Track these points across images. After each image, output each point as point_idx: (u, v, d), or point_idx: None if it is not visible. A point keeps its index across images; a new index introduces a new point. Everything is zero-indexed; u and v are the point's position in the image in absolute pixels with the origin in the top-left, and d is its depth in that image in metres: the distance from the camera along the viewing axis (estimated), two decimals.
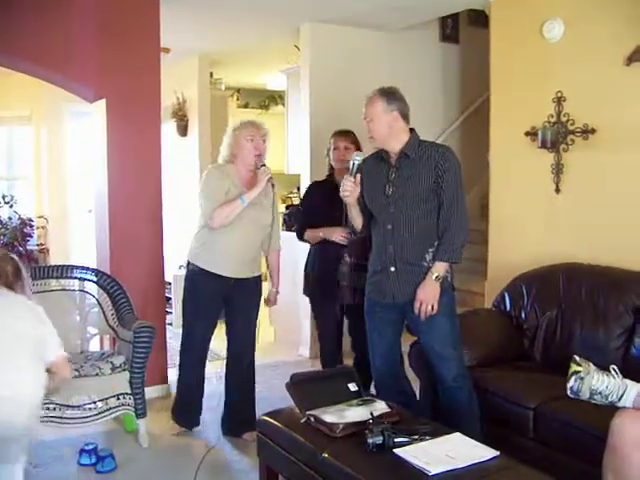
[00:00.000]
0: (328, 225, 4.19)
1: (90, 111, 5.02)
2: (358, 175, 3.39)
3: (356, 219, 3.57)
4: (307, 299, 4.61)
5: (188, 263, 4.12)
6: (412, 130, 3.43)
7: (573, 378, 3.29)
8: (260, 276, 4.17)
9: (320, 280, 4.33)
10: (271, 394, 4.65)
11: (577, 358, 3.36)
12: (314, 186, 4.63)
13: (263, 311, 6.97)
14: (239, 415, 4.18)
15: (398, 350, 3.60)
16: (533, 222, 4.69)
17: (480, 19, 6.02)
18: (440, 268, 3.30)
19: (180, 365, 4.25)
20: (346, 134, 4.34)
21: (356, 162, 3.39)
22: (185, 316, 4.17)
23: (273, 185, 4.05)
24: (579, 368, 3.31)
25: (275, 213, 4.13)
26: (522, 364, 3.87)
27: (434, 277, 3.29)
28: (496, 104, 4.96)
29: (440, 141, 6.34)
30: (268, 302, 4.33)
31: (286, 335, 6.46)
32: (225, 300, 4.10)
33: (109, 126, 4.70)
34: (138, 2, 4.68)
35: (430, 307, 3.28)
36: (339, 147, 4.29)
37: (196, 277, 4.06)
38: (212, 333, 4.18)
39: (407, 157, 3.36)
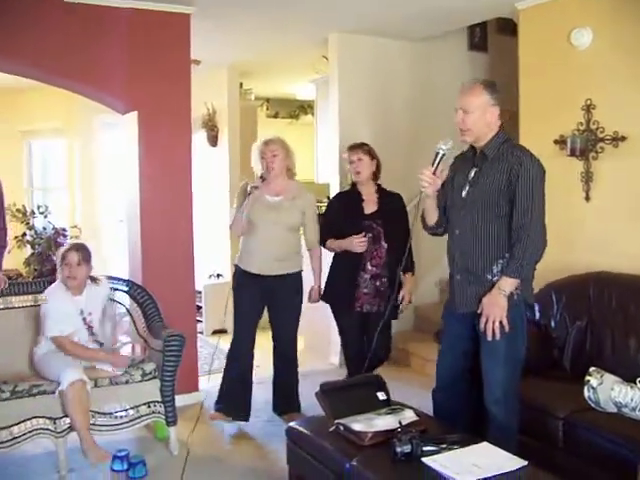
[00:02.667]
0: (351, 234, 4.29)
1: (121, 122, 5.11)
2: (440, 166, 3.15)
3: (430, 213, 3.35)
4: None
5: (235, 265, 4.54)
6: (501, 127, 3.20)
7: (586, 388, 3.31)
8: (299, 272, 4.53)
9: (340, 288, 4.42)
10: (302, 403, 4.66)
11: (592, 369, 3.36)
12: (338, 196, 4.80)
13: None
14: (286, 399, 4.62)
15: (466, 368, 3.31)
16: (563, 230, 4.64)
17: (508, 27, 6.01)
18: (506, 283, 3.04)
19: (227, 358, 4.56)
20: (357, 146, 4.50)
21: (440, 152, 3.14)
22: (234, 314, 4.51)
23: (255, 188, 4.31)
24: (589, 378, 3.31)
25: (308, 215, 4.49)
26: (551, 373, 3.85)
27: (500, 292, 3.04)
28: (525, 112, 4.95)
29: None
30: (309, 297, 4.61)
31: (315, 343, 6.47)
32: (266, 296, 4.44)
33: (140, 137, 4.78)
34: (169, 16, 4.76)
35: (497, 324, 3.04)
36: (352, 160, 4.45)
37: (238, 276, 4.48)
38: (254, 330, 4.49)
39: (485, 157, 3.15)
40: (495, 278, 3.10)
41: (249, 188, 4.28)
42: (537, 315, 4.14)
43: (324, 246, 4.55)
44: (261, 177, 4.38)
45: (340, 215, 4.46)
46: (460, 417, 3.31)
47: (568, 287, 4.13)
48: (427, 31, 5.89)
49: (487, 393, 3.16)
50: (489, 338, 3.07)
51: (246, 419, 4.52)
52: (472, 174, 3.20)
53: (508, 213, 3.09)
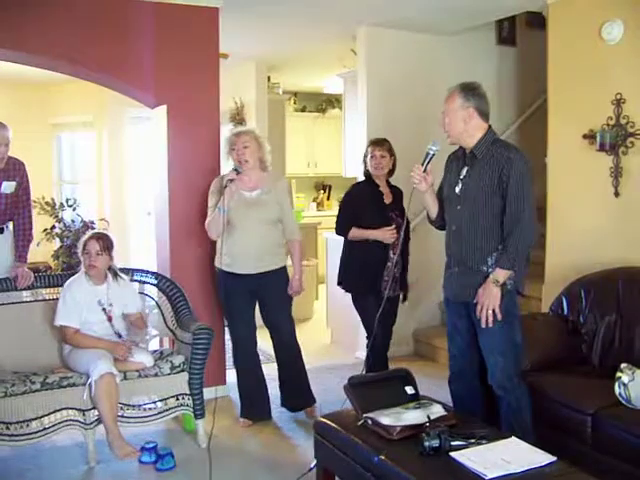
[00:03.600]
0: (378, 226, 4.40)
1: (149, 116, 5.15)
2: (429, 166, 3.41)
3: (430, 207, 3.60)
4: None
5: (216, 267, 4.45)
6: (489, 128, 3.37)
7: (617, 384, 3.30)
8: (284, 267, 4.47)
9: (364, 276, 4.48)
10: (327, 396, 4.69)
11: (623, 365, 3.36)
12: (357, 187, 4.77)
13: (320, 313, 7.10)
14: (294, 391, 4.57)
15: (475, 352, 3.48)
16: (591, 226, 4.62)
17: (537, 21, 5.96)
18: (500, 274, 3.24)
19: (234, 365, 4.59)
20: (382, 143, 4.57)
21: (430, 152, 3.41)
22: (225, 319, 4.56)
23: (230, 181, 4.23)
24: (620, 374, 3.31)
25: (284, 205, 4.42)
26: (580, 369, 3.83)
27: (494, 282, 3.24)
28: (554, 107, 4.91)
29: None
30: (290, 288, 4.48)
31: (342, 337, 6.48)
32: (254, 295, 4.42)
33: (169, 131, 4.81)
34: (198, 10, 4.78)
35: (490, 312, 3.25)
36: (375, 155, 4.53)
37: (223, 280, 4.39)
38: (253, 330, 4.49)
39: (474, 157, 3.34)
40: (490, 269, 3.29)
41: (224, 182, 4.20)
42: (566, 310, 4.12)
43: (344, 234, 4.58)
44: (235, 170, 4.27)
45: (363, 205, 4.52)
46: (475, 405, 3.48)
47: (597, 282, 4.09)
48: (455, 25, 5.86)
49: (491, 379, 3.37)
50: (483, 325, 3.28)
51: (269, 417, 4.54)
52: (464, 172, 3.41)
53: (501, 208, 3.28)
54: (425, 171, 3.41)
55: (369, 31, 5.82)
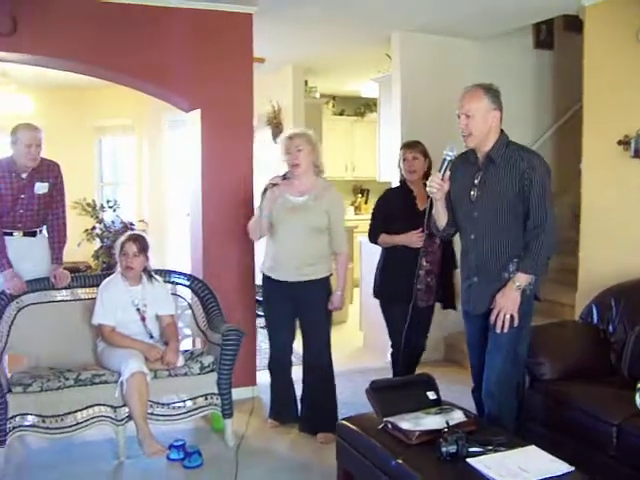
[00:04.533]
0: (408, 231, 4.29)
1: (186, 119, 5.24)
2: (447, 172, 3.27)
3: (440, 216, 3.46)
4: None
5: (262, 273, 4.41)
6: (502, 131, 3.31)
7: (637, 394, 3.24)
8: (327, 278, 4.27)
9: (392, 284, 4.43)
10: (356, 399, 4.67)
11: None
12: (389, 192, 4.71)
13: (354, 317, 7.13)
14: (314, 415, 4.33)
15: None
16: (625, 233, 4.56)
17: (576, 24, 5.87)
18: (522, 279, 3.19)
19: (268, 367, 4.55)
20: (414, 145, 4.47)
21: (447, 158, 3.27)
22: (267, 325, 4.47)
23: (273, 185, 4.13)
24: None
25: (333, 216, 4.22)
26: (608, 379, 3.77)
27: (515, 286, 3.19)
28: (589, 112, 4.86)
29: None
30: (331, 304, 4.28)
31: (375, 341, 6.48)
32: (294, 303, 4.26)
33: (203, 134, 4.89)
34: (232, 16, 4.85)
35: (509, 316, 3.20)
36: (407, 158, 4.43)
37: (264, 284, 4.37)
38: (291, 337, 4.42)
39: (492, 161, 3.26)
40: (512, 275, 3.23)
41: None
42: (595, 319, 4.07)
43: (375, 241, 4.51)
44: (284, 176, 4.17)
45: (395, 211, 4.42)
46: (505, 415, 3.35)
47: (628, 292, 4.03)
48: (492, 29, 5.82)
49: (484, 386, 3.33)
50: (498, 330, 3.22)
51: (297, 419, 4.50)
52: (478, 178, 3.30)
53: (522, 213, 3.22)
54: (443, 178, 3.29)
55: (403, 36, 5.82)
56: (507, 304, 3.21)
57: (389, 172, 6.33)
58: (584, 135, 4.88)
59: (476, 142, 3.27)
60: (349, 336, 6.98)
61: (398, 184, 4.66)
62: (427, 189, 3.35)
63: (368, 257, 6.66)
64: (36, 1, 4.30)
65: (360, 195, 10.83)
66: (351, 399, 4.69)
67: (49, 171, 4.31)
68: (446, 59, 6.00)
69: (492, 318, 3.24)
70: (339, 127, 10.13)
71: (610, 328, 3.99)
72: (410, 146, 4.48)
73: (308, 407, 4.40)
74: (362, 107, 10.39)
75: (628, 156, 4.46)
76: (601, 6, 4.78)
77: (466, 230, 3.40)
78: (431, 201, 3.47)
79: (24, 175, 4.19)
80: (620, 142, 4.53)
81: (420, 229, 4.20)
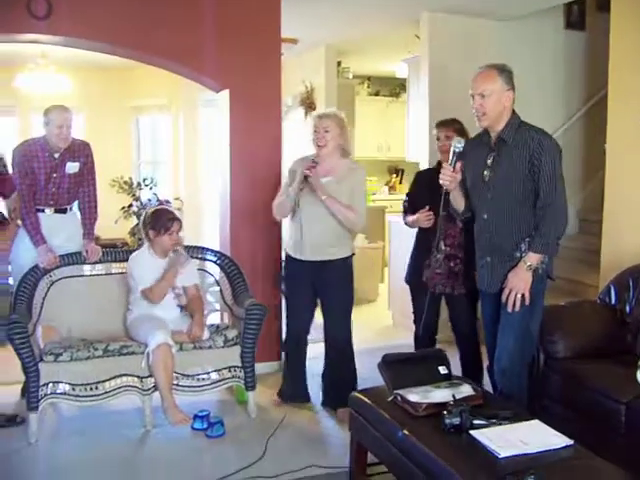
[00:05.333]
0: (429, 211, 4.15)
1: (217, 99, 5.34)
2: (458, 164, 3.34)
3: (458, 201, 3.52)
4: None
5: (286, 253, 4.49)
6: (514, 112, 3.33)
7: (639, 371, 3.26)
8: (348, 257, 4.31)
9: (414, 267, 4.38)
10: (375, 374, 4.75)
11: None
12: (419, 174, 4.64)
13: (384, 295, 7.20)
14: (335, 390, 4.39)
15: None
16: None
17: (608, 5, 5.80)
18: (533, 259, 3.22)
19: (285, 346, 4.63)
20: (447, 123, 4.25)
21: (456, 150, 3.33)
22: (286, 303, 4.54)
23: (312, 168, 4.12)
24: None
25: (355, 192, 4.19)
26: (622, 358, 3.76)
27: (526, 266, 3.22)
28: (614, 92, 4.85)
29: (561, 132, 6.22)
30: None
31: (403, 319, 6.55)
32: (315, 283, 4.31)
33: (232, 115, 5.00)
34: None
35: (519, 295, 3.24)
36: (440, 137, 4.23)
37: (287, 263, 4.45)
38: (310, 317, 4.45)
39: (504, 142, 3.28)
40: (523, 254, 3.26)
41: (300, 169, 4.03)
42: (613, 299, 4.09)
43: (405, 223, 4.45)
44: (313, 161, 4.13)
45: (423, 192, 4.26)
46: (520, 390, 3.41)
47: None
48: (521, 10, 5.81)
49: (495, 363, 3.37)
50: (509, 309, 3.26)
51: (308, 400, 4.56)
52: (491, 159, 3.33)
53: (533, 193, 3.24)
54: (454, 170, 3.35)
55: (432, 16, 5.85)
56: (518, 284, 3.24)
57: (418, 152, 6.39)
58: (609, 117, 4.87)
59: (489, 122, 3.30)
60: (378, 315, 7.06)
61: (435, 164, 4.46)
62: (440, 182, 3.40)
63: (396, 237, 6.75)
64: None
65: (395, 175, 10.86)
66: (370, 374, 4.76)
67: (80, 151, 4.45)
68: (474, 40, 5.99)
69: (503, 297, 3.29)
70: (373, 107, 10.16)
71: (627, 308, 4.00)
72: (444, 124, 4.26)
73: (329, 383, 4.50)
74: (397, 87, 10.38)
75: None
76: None
77: (480, 210, 3.44)
78: (442, 196, 3.49)
79: (56, 155, 4.34)
80: None
81: (427, 207, 4.10)
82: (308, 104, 8.07)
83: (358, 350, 4.80)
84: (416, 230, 4.40)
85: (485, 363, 3.86)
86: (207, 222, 8.54)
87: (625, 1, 4.77)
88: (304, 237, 4.25)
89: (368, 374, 4.71)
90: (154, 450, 3.93)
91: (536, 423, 2.81)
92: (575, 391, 3.48)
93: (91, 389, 3.98)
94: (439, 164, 4.34)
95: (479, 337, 4.21)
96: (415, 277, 4.37)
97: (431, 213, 4.07)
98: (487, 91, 3.24)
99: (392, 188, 10.75)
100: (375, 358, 5.30)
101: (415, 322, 4.46)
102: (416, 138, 6.51)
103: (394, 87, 10.41)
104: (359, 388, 4.15)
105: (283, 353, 4.68)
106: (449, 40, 5.91)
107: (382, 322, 6.87)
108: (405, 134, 7.18)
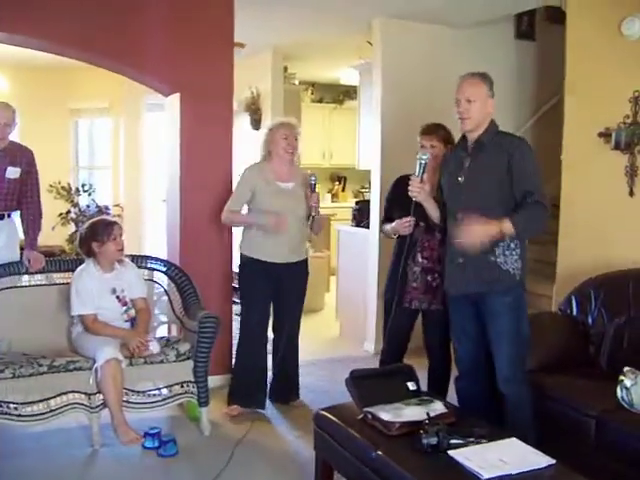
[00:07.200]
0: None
1: (165, 103, 5.15)
2: (425, 175, 3.46)
3: (433, 212, 3.63)
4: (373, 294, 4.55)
5: (240, 253, 4.50)
6: (492, 120, 3.42)
7: (619, 387, 3.27)
8: (306, 260, 4.56)
9: (395, 280, 4.06)
10: (333, 388, 4.70)
11: (626, 369, 3.33)
12: (398, 180, 4.26)
13: (331, 305, 7.11)
14: (286, 385, 4.62)
15: (483, 351, 3.47)
16: (605, 225, 4.58)
17: (557, 15, 5.86)
18: (506, 227, 3.17)
19: (237, 349, 4.56)
20: (431, 131, 4.02)
21: (421, 162, 3.47)
22: (241, 303, 4.51)
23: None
24: (623, 378, 3.28)
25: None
26: (586, 370, 3.78)
27: (496, 226, 3.17)
28: (570, 103, 4.86)
29: None
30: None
31: (351, 330, 6.48)
32: (274, 284, 4.40)
33: (183, 119, 4.82)
34: None
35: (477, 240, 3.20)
36: (425, 146, 3.98)
37: (247, 265, 4.44)
38: (268, 317, 4.51)
39: (482, 145, 3.36)
40: (498, 259, 3.31)
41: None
42: (575, 310, 4.08)
43: (382, 231, 4.24)
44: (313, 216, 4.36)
45: (399, 200, 3.98)
46: (484, 403, 3.45)
47: (607, 283, 4.04)
48: (473, 18, 5.81)
49: (498, 373, 3.36)
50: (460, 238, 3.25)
51: (263, 408, 4.50)
52: (467, 162, 3.40)
53: (509, 196, 3.28)
54: (422, 181, 3.49)
55: (385, 22, 5.77)
56: (481, 230, 3.20)
57: (369, 160, 6.31)
58: (565, 127, 4.88)
59: (472, 126, 3.37)
60: (325, 325, 6.97)
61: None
62: (409, 194, 3.50)
63: (345, 245, 6.66)
64: None
65: (337, 182, 10.79)
66: (329, 388, 4.70)
67: (22, 156, 4.21)
68: (427, 47, 5.96)
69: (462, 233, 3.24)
70: (318, 114, 10.09)
71: (589, 320, 4.00)
72: (427, 132, 4.04)
73: (280, 380, 4.61)
74: (341, 94, 10.34)
75: (608, 148, 4.47)
76: None
77: (454, 211, 3.44)
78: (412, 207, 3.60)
79: None
80: (601, 134, 4.53)
81: (409, 218, 3.82)
82: (254, 110, 7.94)
83: (305, 361, 4.77)
84: (394, 242, 4.17)
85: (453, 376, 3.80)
86: (149, 229, 8.30)
87: (580, 12, 4.79)
88: (270, 241, 4.32)
89: (327, 387, 4.66)
90: (103, 471, 3.73)
91: (513, 441, 2.74)
92: (542, 405, 3.43)
93: (35, 407, 3.73)
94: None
95: (450, 351, 4.02)
96: (393, 294, 4.03)
97: (412, 219, 3.81)
98: (473, 96, 3.33)
99: (335, 196, 10.67)
100: (330, 370, 5.30)
101: (385, 338, 4.16)
102: (367, 146, 6.43)
103: (338, 94, 10.37)
104: (320, 403, 4.06)
105: (235, 359, 4.64)
106: (402, 47, 5.84)
107: (329, 333, 6.78)
108: (355, 142, 7.08)
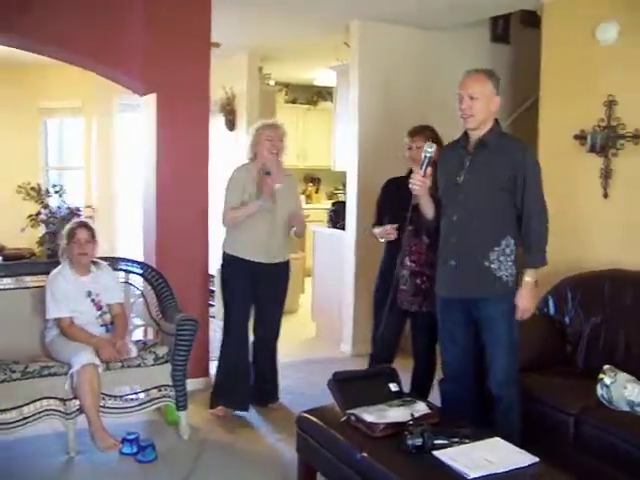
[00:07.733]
0: (394, 223, 3.92)
1: (140, 103, 5.10)
2: (429, 169, 3.32)
3: (428, 208, 3.52)
4: (350, 295, 4.54)
5: (223, 252, 4.48)
6: (496, 120, 3.34)
7: (598, 385, 3.31)
8: (288, 261, 4.56)
9: (377, 283, 4.18)
10: (311, 390, 4.69)
11: (605, 367, 3.38)
12: (388, 183, 4.25)
13: (306, 307, 7.09)
14: (265, 387, 4.62)
15: (471, 356, 3.45)
16: (580, 227, 4.62)
17: (532, 19, 5.92)
18: (533, 274, 3.26)
19: (221, 349, 4.54)
20: (418, 132, 4.00)
21: (427, 155, 3.30)
22: (224, 302, 4.50)
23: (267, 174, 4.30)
24: (602, 376, 3.33)
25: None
26: (564, 369, 3.82)
27: (529, 285, 3.26)
28: (545, 106, 4.90)
29: None
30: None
31: (327, 331, 6.47)
32: (255, 283, 4.40)
33: (159, 120, 4.77)
34: None
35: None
36: (412, 147, 3.97)
37: (231, 264, 4.43)
38: (248, 318, 4.50)
39: (485, 146, 3.27)
40: (493, 265, 3.25)
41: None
42: (552, 310, 4.12)
43: (372, 234, 4.19)
44: (267, 172, 4.26)
45: (389, 203, 4.09)
46: (468, 406, 3.41)
47: (584, 283, 4.08)
48: (449, 21, 5.83)
49: (491, 377, 3.34)
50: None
51: (246, 410, 4.49)
52: (468, 162, 3.31)
53: (508, 201, 3.24)
54: (424, 175, 3.33)
55: (362, 24, 5.77)
56: (528, 305, 3.30)
57: (344, 162, 6.31)
58: (540, 129, 4.92)
59: (475, 124, 3.27)
60: (301, 326, 6.93)
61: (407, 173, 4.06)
62: (410, 187, 3.36)
63: (320, 247, 6.65)
64: None
65: (311, 184, 10.78)
66: (307, 390, 4.68)
67: None
68: (404, 49, 5.97)
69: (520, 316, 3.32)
70: (291, 115, 10.04)
71: (566, 319, 4.04)
72: (414, 134, 4.00)
73: (259, 382, 4.58)
74: (315, 96, 10.34)
75: (584, 151, 4.51)
76: (559, 2, 4.83)
77: (450, 212, 3.36)
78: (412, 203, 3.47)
79: None
80: (576, 137, 4.58)
81: (395, 225, 3.87)
82: (228, 111, 7.89)
83: (282, 363, 4.77)
84: (384, 242, 4.14)
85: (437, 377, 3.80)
86: (121, 231, 8.20)
87: (556, 17, 4.84)
88: (256, 240, 4.34)
89: (306, 389, 4.64)
90: (80, 479, 3.65)
91: (497, 440, 2.75)
92: (522, 403, 3.43)
93: (7, 415, 3.64)
94: (409, 173, 4.05)
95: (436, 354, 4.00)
96: (384, 293, 3.98)
97: (394, 226, 3.86)
98: (477, 93, 3.23)
99: (309, 197, 10.66)
100: (305, 372, 5.27)
101: (373, 340, 4.20)
102: (343, 147, 6.43)
103: (312, 95, 10.37)
104: (299, 405, 4.05)
105: (219, 360, 4.56)
106: (379, 49, 5.85)
107: (305, 334, 6.75)
108: (330, 143, 7.08)
